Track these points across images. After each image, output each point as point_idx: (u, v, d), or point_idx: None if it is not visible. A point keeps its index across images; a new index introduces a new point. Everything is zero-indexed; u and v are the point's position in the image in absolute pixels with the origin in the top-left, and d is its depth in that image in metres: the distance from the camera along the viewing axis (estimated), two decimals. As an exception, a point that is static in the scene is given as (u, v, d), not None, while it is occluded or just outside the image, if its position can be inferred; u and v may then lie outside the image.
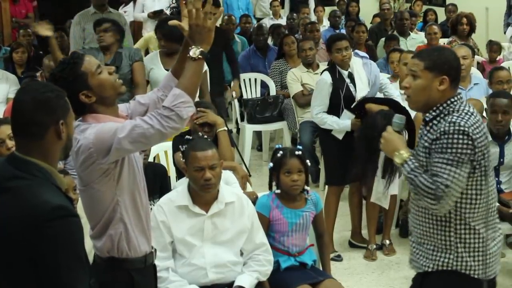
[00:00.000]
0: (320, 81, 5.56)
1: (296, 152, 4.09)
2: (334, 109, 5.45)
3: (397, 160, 3.04)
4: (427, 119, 3.02)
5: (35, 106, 2.38)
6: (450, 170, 2.88)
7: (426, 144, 2.98)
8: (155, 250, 3.13)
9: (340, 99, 5.40)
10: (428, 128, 3.02)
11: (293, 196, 4.09)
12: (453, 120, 2.92)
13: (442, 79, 2.98)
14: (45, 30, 6.06)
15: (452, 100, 2.99)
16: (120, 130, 2.75)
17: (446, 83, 2.98)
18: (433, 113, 3.01)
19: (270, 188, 4.18)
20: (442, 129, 2.91)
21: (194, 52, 2.80)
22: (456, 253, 2.98)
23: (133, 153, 2.91)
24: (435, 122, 2.99)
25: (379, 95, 5.87)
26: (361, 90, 5.44)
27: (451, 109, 2.97)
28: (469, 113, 2.96)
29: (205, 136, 4.33)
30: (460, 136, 2.88)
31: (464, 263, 2.98)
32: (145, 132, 2.73)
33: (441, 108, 2.99)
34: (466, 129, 2.89)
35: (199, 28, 2.81)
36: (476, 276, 2.98)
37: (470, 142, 2.88)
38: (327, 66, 5.80)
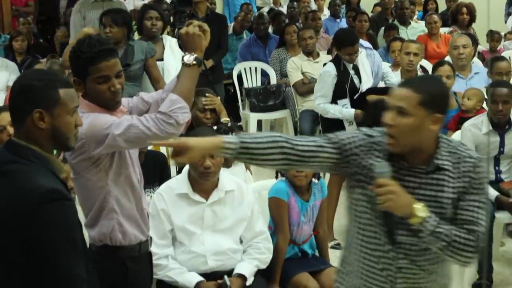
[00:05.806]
0: (324, 73, 5.57)
1: None
2: (337, 100, 5.47)
3: (420, 214, 2.41)
4: (441, 166, 2.46)
5: (18, 91, 2.41)
6: (483, 215, 2.44)
7: (453, 195, 2.47)
8: (151, 238, 3.14)
9: (345, 91, 5.43)
10: (442, 177, 2.47)
11: (301, 187, 4.01)
12: (472, 155, 2.49)
13: (437, 118, 2.43)
14: None
15: (439, 140, 2.49)
16: (116, 126, 2.77)
17: (440, 124, 2.45)
18: (440, 161, 2.47)
19: (277, 176, 4.17)
20: (471, 171, 2.46)
21: (188, 58, 2.88)
22: None
23: (126, 150, 2.93)
24: (449, 168, 2.47)
25: (381, 83, 5.89)
26: (366, 83, 5.48)
27: (452, 148, 2.50)
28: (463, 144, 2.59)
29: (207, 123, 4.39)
30: (484, 170, 2.50)
31: None
32: (141, 134, 2.76)
33: (438, 152, 2.48)
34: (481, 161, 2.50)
35: (190, 36, 2.90)
36: None
37: None
38: (332, 58, 5.80)
